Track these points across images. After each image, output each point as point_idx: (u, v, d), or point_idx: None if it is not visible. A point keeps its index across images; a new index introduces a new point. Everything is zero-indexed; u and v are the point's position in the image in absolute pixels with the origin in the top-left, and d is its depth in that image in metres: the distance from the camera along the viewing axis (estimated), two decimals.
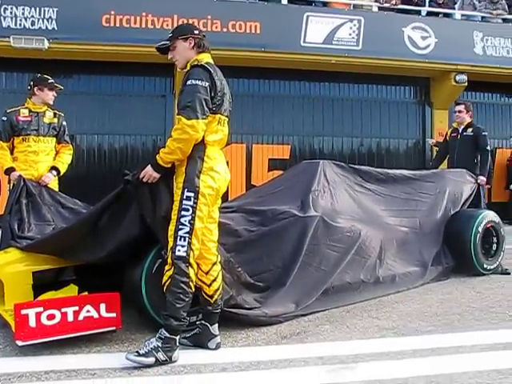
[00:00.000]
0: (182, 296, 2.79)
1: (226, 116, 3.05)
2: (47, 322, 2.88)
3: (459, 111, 6.28)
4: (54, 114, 4.95)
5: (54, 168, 4.83)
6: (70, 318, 2.93)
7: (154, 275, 3.11)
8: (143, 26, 8.27)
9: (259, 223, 4.14)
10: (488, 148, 6.15)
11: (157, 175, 2.92)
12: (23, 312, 2.83)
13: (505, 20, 10.16)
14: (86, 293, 3.17)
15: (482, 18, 10.06)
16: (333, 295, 4.01)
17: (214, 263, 3.03)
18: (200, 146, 2.89)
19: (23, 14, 7.95)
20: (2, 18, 7.90)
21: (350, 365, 2.80)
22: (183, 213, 2.82)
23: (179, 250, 2.80)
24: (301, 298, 3.76)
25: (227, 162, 3.22)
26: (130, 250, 3.19)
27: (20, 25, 7.95)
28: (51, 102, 4.93)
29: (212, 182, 2.91)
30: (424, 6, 9.88)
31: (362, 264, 4.32)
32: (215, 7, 8.55)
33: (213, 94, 2.90)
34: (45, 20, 7.98)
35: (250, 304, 3.48)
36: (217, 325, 3.08)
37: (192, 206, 2.83)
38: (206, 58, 3.02)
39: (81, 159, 8.67)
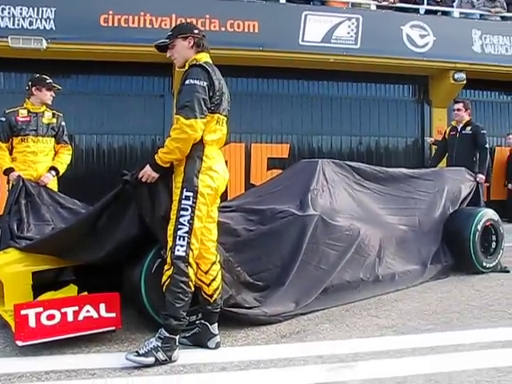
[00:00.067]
0: (181, 295, 2.79)
1: (225, 115, 3.05)
2: (47, 322, 2.88)
3: (458, 109, 6.28)
4: (53, 114, 4.95)
5: (52, 168, 4.84)
6: (70, 318, 2.93)
7: (154, 275, 3.11)
8: (141, 25, 8.26)
9: (258, 222, 4.15)
10: (487, 146, 6.15)
11: (156, 175, 2.92)
12: (23, 312, 2.83)
13: (503, 18, 10.14)
14: (86, 293, 3.18)
15: (481, 15, 10.05)
16: (332, 294, 4.01)
17: (214, 263, 3.04)
18: (199, 146, 2.89)
19: (21, 13, 7.93)
20: None
21: (350, 363, 2.81)
22: (182, 212, 2.83)
23: (178, 250, 2.80)
24: (300, 297, 3.76)
25: (226, 162, 3.22)
26: (129, 250, 3.19)
27: (18, 25, 7.93)
28: (49, 102, 4.94)
29: (211, 181, 2.91)
30: (422, 4, 9.87)
31: (362, 263, 4.33)
32: (213, 6, 8.53)
33: (211, 94, 2.90)
34: (43, 20, 7.96)
35: (249, 303, 3.49)
36: (216, 324, 3.08)
37: (191, 206, 2.83)
38: (204, 58, 3.03)
39: (80, 159, 8.66)
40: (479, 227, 5.16)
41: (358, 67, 9.39)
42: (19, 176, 4.53)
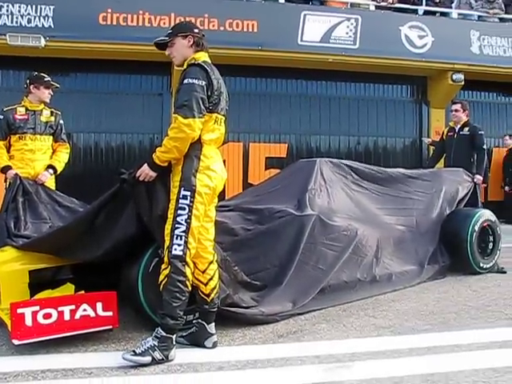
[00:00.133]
0: (178, 295, 2.79)
1: (223, 115, 3.05)
2: (44, 321, 2.87)
3: (456, 110, 6.29)
4: (51, 112, 4.94)
5: (50, 166, 4.82)
6: (67, 316, 2.92)
7: (151, 274, 3.10)
8: (140, 24, 8.26)
9: (256, 222, 4.14)
10: (484, 147, 6.16)
11: (153, 174, 2.91)
12: (19, 311, 2.83)
13: (501, 19, 10.18)
14: (83, 291, 3.16)
15: (479, 17, 10.08)
16: (329, 294, 4.01)
17: (211, 262, 3.03)
18: (196, 145, 2.89)
19: (19, 11, 7.93)
20: None
21: (347, 363, 2.81)
22: (180, 212, 2.82)
23: (176, 249, 2.80)
24: (297, 297, 3.76)
25: (224, 161, 3.21)
26: (126, 249, 3.18)
27: (16, 22, 7.92)
28: (47, 100, 4.92)
29: (208, 180, 2.91)
30: (421, 4, 9.89)
31: (359, 263, 4.33)
32: (212, 5, 8.54)
33: (209, 93, 2.90)
34: (41, 18, 7.96)
35: (246, 303, 3.49)
36: (213, 323, 3.08)
37: (188, 205, 2.83)
38: (203, 57, 3.02)
39: (77, 158, 8.65)
40: (476, 228, 5.16)
41: (356, 67, 9.40)
42: (16, 174, 4.51)
